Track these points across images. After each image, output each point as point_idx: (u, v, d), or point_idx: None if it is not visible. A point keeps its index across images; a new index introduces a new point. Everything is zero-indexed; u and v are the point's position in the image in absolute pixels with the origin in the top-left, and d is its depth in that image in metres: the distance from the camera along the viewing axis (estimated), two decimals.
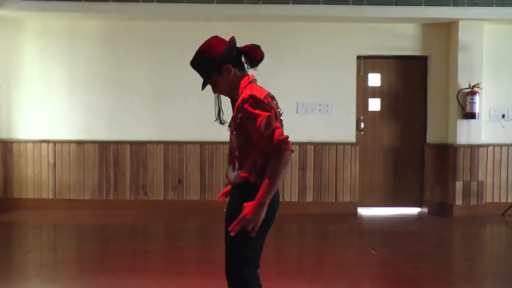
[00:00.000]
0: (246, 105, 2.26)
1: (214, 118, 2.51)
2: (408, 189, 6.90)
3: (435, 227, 6.19)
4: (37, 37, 6.75)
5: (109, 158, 6.72)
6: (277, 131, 2.23)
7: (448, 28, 6.68)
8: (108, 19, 6.64)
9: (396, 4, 6.29)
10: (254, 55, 2.38)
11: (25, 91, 6.76)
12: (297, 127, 6.70)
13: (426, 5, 6.29)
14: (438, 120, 6.77)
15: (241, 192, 2.34)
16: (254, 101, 2.26)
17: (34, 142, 6.72)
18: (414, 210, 6.86)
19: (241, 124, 2.31)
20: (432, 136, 6.78)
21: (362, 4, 6.28)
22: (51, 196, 6.72)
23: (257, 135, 2.26)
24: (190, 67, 2.45)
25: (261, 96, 2.29)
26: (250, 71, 2.46)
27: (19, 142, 6.73)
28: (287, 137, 2.25)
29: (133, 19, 6.65)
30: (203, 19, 6.49)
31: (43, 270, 4.47)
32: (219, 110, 2.51)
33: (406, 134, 6.88)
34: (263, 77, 6.86)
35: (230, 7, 6.26)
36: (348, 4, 6.29)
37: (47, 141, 6.71)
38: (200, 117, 6.46)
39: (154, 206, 6.65)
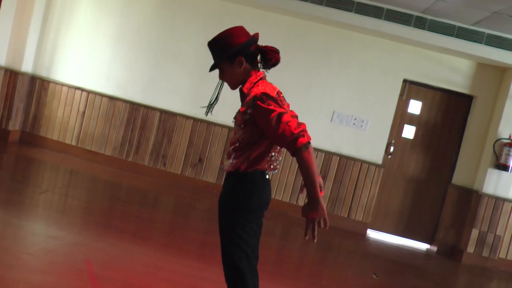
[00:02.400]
0: (258, 102, 2.29)
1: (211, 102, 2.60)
2: (422, 224, 6.76)
3: (441, 268, 6.08)
4: None
5: (137, 120, 6.75)
6: (292, 125, 2.24)
7: (503, 72, 6.51)
8: None
9: (457, 36, 6.14)
10: (271, 57, 2.41)
11: (72, 36, 6.83)
12: (328, 136, 6.66)
13: (486, 44, 6.13)
14: (468, 164, 6.60)
15: (231, 180, 2.41)
16: (267, 98, 2.28)
17: (69, 86, 6.79)
18: (423, 246, 6.75)
19: (250, 120, 2.34)
20: (459, 178, 6.63)
21: (423, 28, 6.15)
22: (73, 143, 6.79)
23: (270, 131, 2.29)
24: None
25: (273, 94, 2.32)
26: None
27: (56, 83, 6.81)
28: (303, 129, 2.25)
29: None
30: (262, 7, 6.46)
31: (51, 214, 4.52)
32: (216, 98, 2.59)
33: (433, 169, 6.73)
34: (306, 78, 6.85)
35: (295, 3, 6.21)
36: (410, 25, 6.17)
37: (82, 89, 6.78)
38: (234, 103, 6.42)
39: (169, 178, 6.66)
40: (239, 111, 2.39)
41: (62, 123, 6.80)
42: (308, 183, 2.22)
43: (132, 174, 6.57)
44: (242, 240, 2.35)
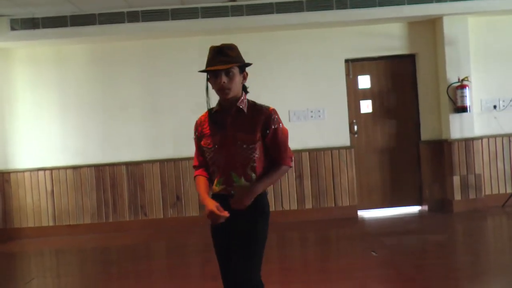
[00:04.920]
0: (275, 117, 2.46)
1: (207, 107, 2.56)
2: (407, 188, 6.88)
3: (436, 224, 6.17)
4: (27, 65, 6.80)
5: (106, 181, 6.73)
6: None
7: (433, 24, 6.71)
8: (94, 42, 6.68)
9: (380, 5, 6.32)
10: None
11: (18, 121, 6.79)
12: (290, 135, 6.68)
13: (409, 3, 6.31)
14: (430, 117, 6.78)
15: (257, 199, 2.42)
16: (278, 115, 2.49)
17: (31, 170, 6.73)
18: (414, 209, 6.84)
19: (266, 137, 2.43)
20: (426, 133, 6.78)
21: (346, 8, 6.32)
22: (51, 223, 6.71)
23: (280, 146, 2.46)
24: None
25: None
26: None
27: (16, 172, 6.74)
28: None
29: (119, 40, 6.68)
30: (188, 34, 6.54)
31: None
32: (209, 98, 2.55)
33: (400, 134, 6.87)
34: (254, 87, 6.92)
35: (213, 21, 6.30)
36: (332, 9, 6.33)
37: (44, 169, 6.73)
38: (192, 133, 6.46)
39: (154, 225, 6.64)
40: (246, 131, 2.41)
41: (34, 207, 6.72)
42: (266, 184, 2.47)
43: (117, 233, 6.51)
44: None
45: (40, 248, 6.28)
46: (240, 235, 2.43)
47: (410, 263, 4.53)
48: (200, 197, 2.49)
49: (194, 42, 6.55)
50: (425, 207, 6.77)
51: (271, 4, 6.30)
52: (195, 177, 2.57)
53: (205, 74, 2.48)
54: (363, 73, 6.90)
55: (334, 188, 6.70)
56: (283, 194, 6.70)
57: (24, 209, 6.73)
